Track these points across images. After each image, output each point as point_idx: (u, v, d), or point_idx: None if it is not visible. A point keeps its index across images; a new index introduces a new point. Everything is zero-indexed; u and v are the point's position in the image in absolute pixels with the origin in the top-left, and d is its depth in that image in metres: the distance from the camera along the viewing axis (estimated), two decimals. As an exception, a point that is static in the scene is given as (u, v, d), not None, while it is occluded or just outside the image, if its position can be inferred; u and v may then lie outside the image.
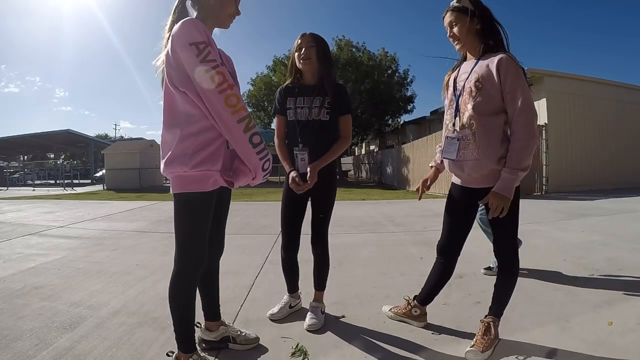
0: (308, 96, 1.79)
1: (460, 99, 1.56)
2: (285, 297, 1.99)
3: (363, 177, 23.20)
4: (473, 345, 1.52)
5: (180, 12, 1.35)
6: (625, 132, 9.78)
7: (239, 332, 1.63)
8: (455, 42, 1.57)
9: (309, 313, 1.86)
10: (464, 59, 1.64)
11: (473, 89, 1.50)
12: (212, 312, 1.62)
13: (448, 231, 1.70)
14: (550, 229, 4.19)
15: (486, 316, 1.61)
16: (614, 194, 7.79)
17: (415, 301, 1.84)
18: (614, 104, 9.72)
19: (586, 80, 9.71)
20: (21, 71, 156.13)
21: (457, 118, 1.56)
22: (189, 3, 1.37)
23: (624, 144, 9.71)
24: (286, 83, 1.91)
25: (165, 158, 1.28)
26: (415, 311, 1.82)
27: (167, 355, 1.40)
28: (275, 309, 1.93)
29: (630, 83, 10.42)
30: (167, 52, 1.24)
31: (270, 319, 1.89)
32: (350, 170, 25.53)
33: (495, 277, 1.64)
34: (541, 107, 9.21)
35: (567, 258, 2.95)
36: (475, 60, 1.54)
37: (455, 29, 1.54)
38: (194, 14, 1.37)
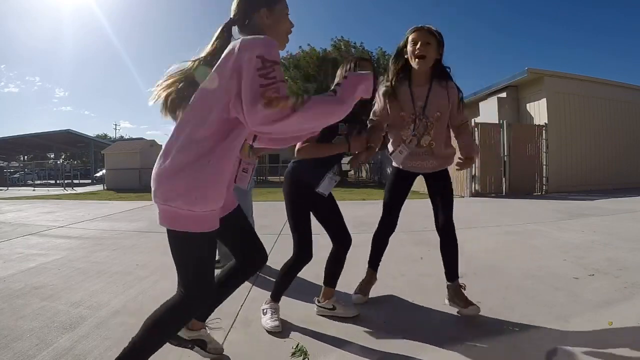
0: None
1: (419, 122, 1.89)
2: (272, 304, 1.89)
3: (363, 177, 23.19)
4: (460, 309, 1.88)
5: (226, 39, 1.18)
6: (626, 132, 9.77)
7: (211, 340, 1.54)
8: (423, 60, 1.79)
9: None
10: (408, 79, 1.88)
11: (439, 115, 1.87)
12: (207, 314, 1.55)
13: (396, 202, 2.08)
14: (550, 229, 4.19)
15: (452, 283, 1.93)
16: (613, 194, 7.79)
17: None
18: (614, 104, 9.71)
19: (586, 80, 9.70)
20: (21, 71, 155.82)
21: (415, 137, 1.91)
22: (236, 29, 1.22)
23: (624, 144, 9.70)
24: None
25: (169, 183, 1.07)
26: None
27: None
28: (276, 322, 1.80)
29: (631, 83, 10.43)
30: (225, 71, 1.07)
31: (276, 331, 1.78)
32: (350, 170, 25.49)
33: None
34: (541, 107, 9.22)
35: (567, 258, 2.95)
36: (428, 87, 1.85)
37: (429, 48, 1.78)
38: None
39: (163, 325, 1.20)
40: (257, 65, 1.01)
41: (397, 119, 1.92)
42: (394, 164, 2.07)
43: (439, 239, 2.00)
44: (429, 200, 2.07)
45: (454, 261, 1.95)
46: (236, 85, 1.04)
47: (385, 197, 2.10)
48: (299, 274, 1.98)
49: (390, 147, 2.04)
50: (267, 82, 0.99)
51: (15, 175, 25.17)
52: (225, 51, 1.11)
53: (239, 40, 1.08)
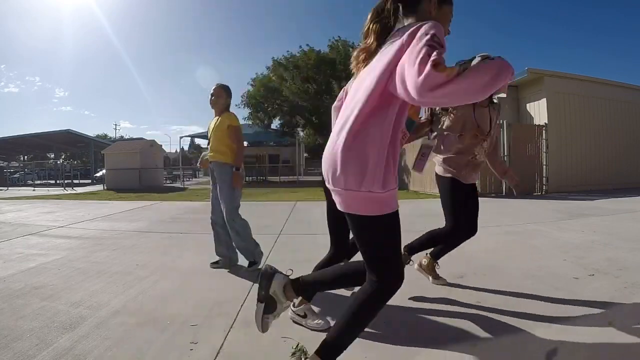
0: None
1: (489, 139, 2.18)
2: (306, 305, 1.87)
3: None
4: (431, 279, 2.37)
5: (394, 18, 1.20)
6: (625, 132, 9.79)
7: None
8: None
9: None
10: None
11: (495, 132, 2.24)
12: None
13: (462, 208, 2.21)
14: (550, 229, 4.19)
15: (434, 259, 2.35)
16: (613, 194, 7.80)
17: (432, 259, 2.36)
18: (614, 104, 9.72)
19: (586, 80, 9.71)
20: (21, 71, 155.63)
21: (485, 151, 2.20)
22: (401, 11, 1.21)
23: (624, 143, 9.72)
24: None
25: (360, 172, 1.10)
26: (437, 267, 2.39)
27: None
28: (320, 320, 1.83)
29: (631, 83, 10.43)
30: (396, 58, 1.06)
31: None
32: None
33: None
34: (541, 107, 9.23)
35: (567, 258, 2.95)
36: (489, 108, 2.15)
37: None
38: (405, 23, 1.20)
39: (370, 314, 1.25)
40: (429, 38, 0.98)
41: (474, 136, 2.14)
42: (446, 175, 2.23)
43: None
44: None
45: (449, 251, 2.35)
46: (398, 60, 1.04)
47: (452, 208, 2.19)
48: (299, 274, 1.98)
49: (442, 151, 2.22)
50: (436, 50, 0.95)
51: (15, 175, 25.14)
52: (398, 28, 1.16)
53: (416, 23, 1.07)
